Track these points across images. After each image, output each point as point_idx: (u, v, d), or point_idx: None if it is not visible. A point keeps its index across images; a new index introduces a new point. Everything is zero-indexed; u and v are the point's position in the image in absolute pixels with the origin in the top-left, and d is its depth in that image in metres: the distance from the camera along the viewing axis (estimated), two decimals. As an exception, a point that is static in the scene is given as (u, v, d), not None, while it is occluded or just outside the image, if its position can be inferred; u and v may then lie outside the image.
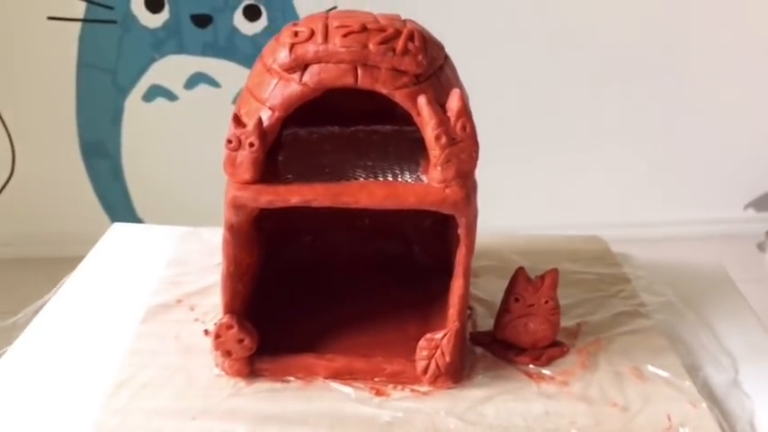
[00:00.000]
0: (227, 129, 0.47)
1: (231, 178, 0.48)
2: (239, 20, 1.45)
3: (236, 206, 0.48)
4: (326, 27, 0.47)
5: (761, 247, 1.69)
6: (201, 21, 1.45)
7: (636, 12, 1.47)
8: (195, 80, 1.50)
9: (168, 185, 1.57)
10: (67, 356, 0.57)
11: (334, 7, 1.43)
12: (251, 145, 0.47)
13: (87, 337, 0.59)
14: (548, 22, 1.46)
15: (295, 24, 0.49)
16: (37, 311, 0.62)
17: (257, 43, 1.45)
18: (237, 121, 0.47)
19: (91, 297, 0.64)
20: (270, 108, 0.48)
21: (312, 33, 0.47)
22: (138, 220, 1.60)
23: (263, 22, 1.45)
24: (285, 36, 0.48)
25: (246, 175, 0.47)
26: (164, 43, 1.46)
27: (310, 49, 0.47)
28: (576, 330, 0.60)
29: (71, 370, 0.55)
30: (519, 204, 1.60)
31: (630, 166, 1.62)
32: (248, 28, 1.46)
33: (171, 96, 1.51)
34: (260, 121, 0.47)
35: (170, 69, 1.49)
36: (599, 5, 1.46)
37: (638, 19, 1.48)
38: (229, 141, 0.47)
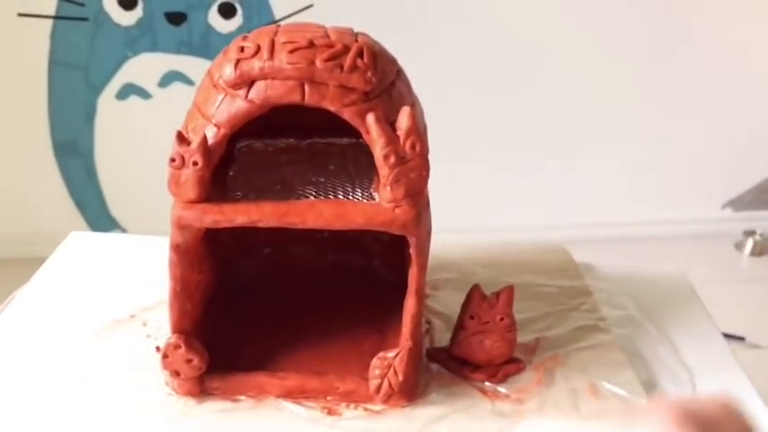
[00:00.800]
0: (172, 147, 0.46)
1: (176, 197, 0.47)
2: (214, 17, 1.43)
3: (180, 226, 0.47)
4: (273, 43, 0.46)
5: (738, 246, 1.70)
6: (176, 18, 1.43)
7: (606, 14, 1.46)
8: (169, 78, 1.48)
9: (142, 184, 1.55)
10: (15, 373, 0.55)
11: (310, 5, 1.41)
12: (195, 164, 0.46)
13: (37, 352, 0.57)
14: (516, 22, 1.44)
15: (244, 38, 0.48)
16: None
17: (231, 41, 1.43)
18: (181, 138, 0.46)
19: (43, 310, 0.63)
20: (216, 125, 0.47)
21: (258, 49, 0.46)
22: (111, 219, 1.58)
23: (238, 20, 1.44)
24: (232, 51, 0.47)
25: (191, 194, 0.46)
26: (137, 41, 1.44)
27: (256, 65, 0.45)
28: (534, 346, 0.59)
29: (18, 388, 0.54)
30: (489, 204, 1.60)
31: (608, 166, 1.62)
32: (223, 26, 1.44)
33: (144, 95, 1.49)
34: (204, 138, 0.46)
35: (144, 67, 1.47)
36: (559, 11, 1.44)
37: (612, 19, 1.47)
38: (173, 160, 0.46)
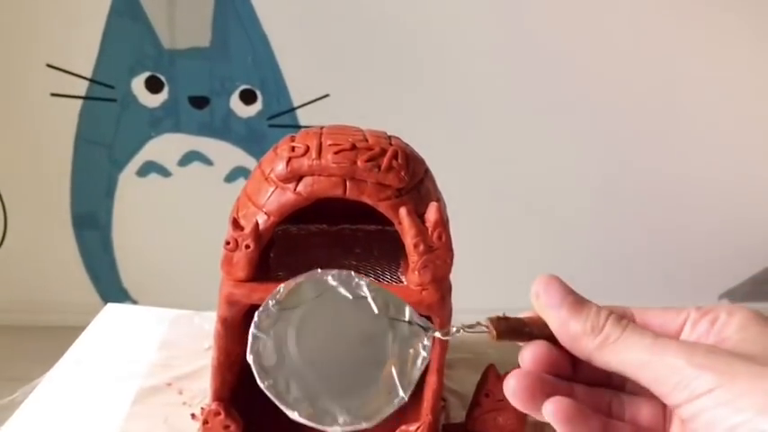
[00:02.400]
0: (227, 231, 0.52)
1: (227, 276, 0.52)
2: (235, 103, 1.52)
3: (230, 302, 0.52)
4: (320, 144, 0.53)
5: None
6: (199, 102, 1.52)
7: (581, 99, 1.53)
8: (189, 158, 1.56)
9: (155, 258, 1.60)
10: (58, 436, 0.59)
11: (327, 95, 1.51)
12: (247, 247, 0.51)
13: (78, 419, 0.61)
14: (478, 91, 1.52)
15: (292, 139, 0.55)
16: (33, 390, 0.65)
17: (251, 125, 1.52)
18: (236, 224, 0.52)
19: (84, 378, 0.67)
20: (266, 213, 0.53)
21: (307, 149, 0.52)
22: (123, 291, 1.63)
23: (258, 106, 1.53)
24: (283, 150, 0.54)
25: (241, 273, 0.52)
26: (161, 122, 1.53)
27: (305, 163, 0.52)
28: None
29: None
30: (502, 285, 1.64)
31: (603, 250, 1.67)
32: (244, 111, 1.53)
33: (165, 172, 1.56)
34: (257, 225, 0.52)
35: (165, 147, 1.55)
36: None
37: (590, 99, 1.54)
38: (227, 243, 0.51)
